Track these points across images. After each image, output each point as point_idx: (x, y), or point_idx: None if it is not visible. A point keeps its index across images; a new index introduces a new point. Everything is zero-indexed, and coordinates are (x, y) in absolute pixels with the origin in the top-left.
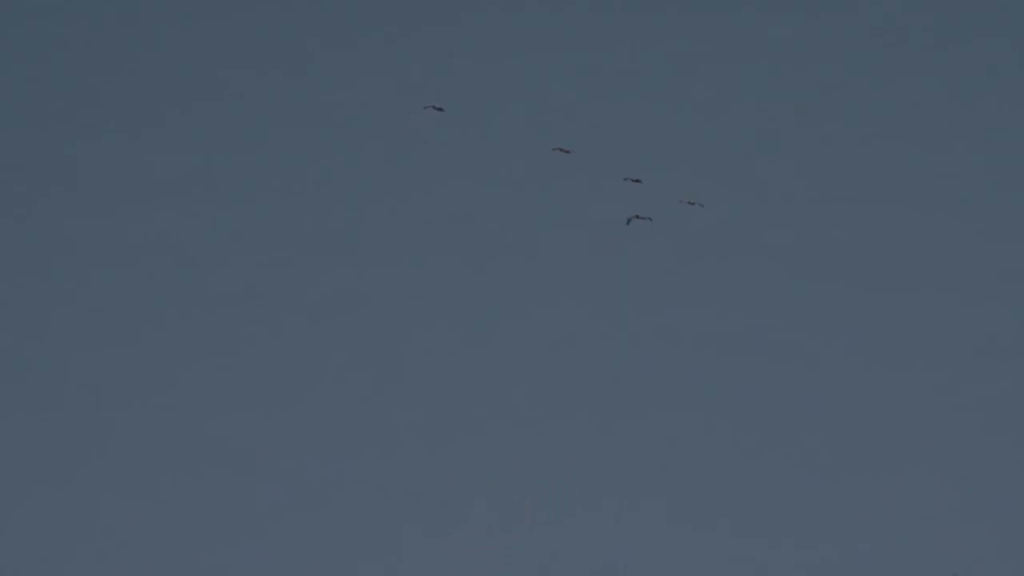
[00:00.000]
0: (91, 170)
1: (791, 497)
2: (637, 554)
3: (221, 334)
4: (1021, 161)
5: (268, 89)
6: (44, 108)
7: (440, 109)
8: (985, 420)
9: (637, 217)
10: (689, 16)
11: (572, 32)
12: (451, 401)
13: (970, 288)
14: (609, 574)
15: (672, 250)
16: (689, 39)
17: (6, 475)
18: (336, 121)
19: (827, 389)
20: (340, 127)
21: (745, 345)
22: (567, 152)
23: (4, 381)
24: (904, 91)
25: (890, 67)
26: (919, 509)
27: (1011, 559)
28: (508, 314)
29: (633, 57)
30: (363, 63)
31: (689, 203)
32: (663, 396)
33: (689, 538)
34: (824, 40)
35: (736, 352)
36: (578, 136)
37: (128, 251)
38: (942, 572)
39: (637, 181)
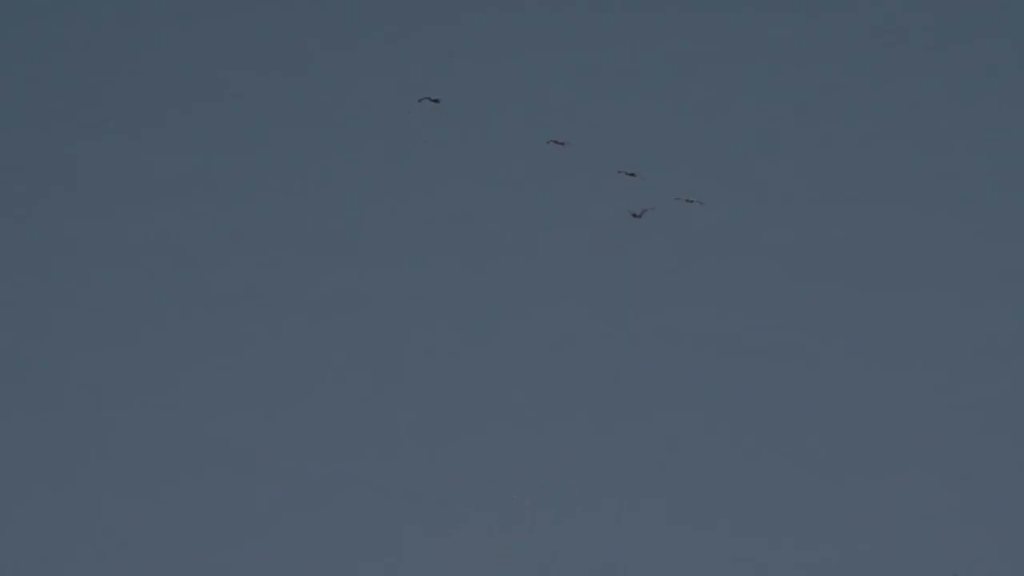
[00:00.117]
0: (91, 170)
1: (791, 497)
2: (637, 554)
3: (221, 334)
4: (1021, 161)
5: (268, 89)
6: (44, 108)
7: (436, 101)
8: (985, 420)
9: (645, 211)
10: (689, 16)
11: (572, 32)
12: (451, 401)
13: (970, 288)
14: (609, 574)
15: (672, 250)
16: (689, 39)
17: (6, 475)
18: (336, 121)
19: (827, 389)
20: (340, 127)
21: (745, 345)
22: (562, 144)
23: (4, 381)
24: (904, 91)
25: (890, 67)
26: (919, 509)
27: (1011, 559)
28: (508, 314)
29: (633, 57)
30: (363, 63)
31: (687, 200)
32: (663, 396)
33: (689, 538)
34: (824, 40)
35: (736, 352)
36: (578, 136)
37: (128, 251)
38: (942, 572)
39: (632, 175)
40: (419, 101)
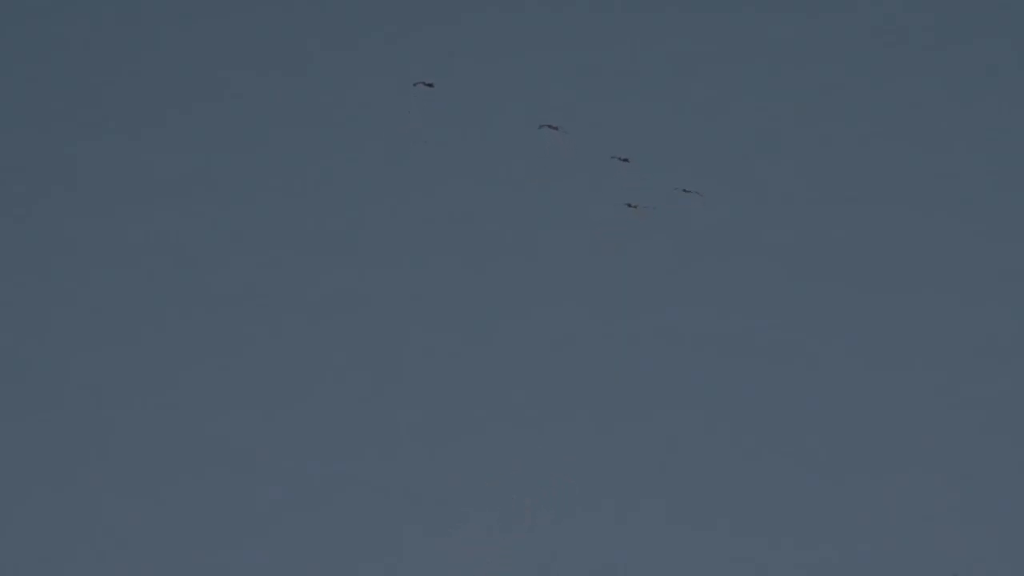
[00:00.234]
0: (91, 170)
1: (791, 497)
2: (637, 554)
3: (221, 334)
4: (1021, 161)
5: (268, 89)
6: (44, 108)
7: (430, 85)
8: (985, 420)
9: (641, 206)
10: (689, 16)
11: (572, 32)
12: (451, 401)
13: (970, 288)
14: (609, 574)
15: (672, 250)
16: (689, 39)
17: (6, 475)
18: (336, 121)
19: (827, 389)
20: (340, 127)
21: (745, 345)
22: (555, 129)
23: (4, 381)
24: (904, 91)
25: (890, 67)
26: (919, 509)
27: (1011, 559)
28: (508, 314)
29: (633, 57)
30: (363, 63)
31: (685, 191)
32: (663, 396)
33: (689, 538)
34: (824, 40)
35: (736, 352)
36: (578, 136)
37: (128, 251)
38: (942, 572)
39: (625, 160)
40: (414, 85)
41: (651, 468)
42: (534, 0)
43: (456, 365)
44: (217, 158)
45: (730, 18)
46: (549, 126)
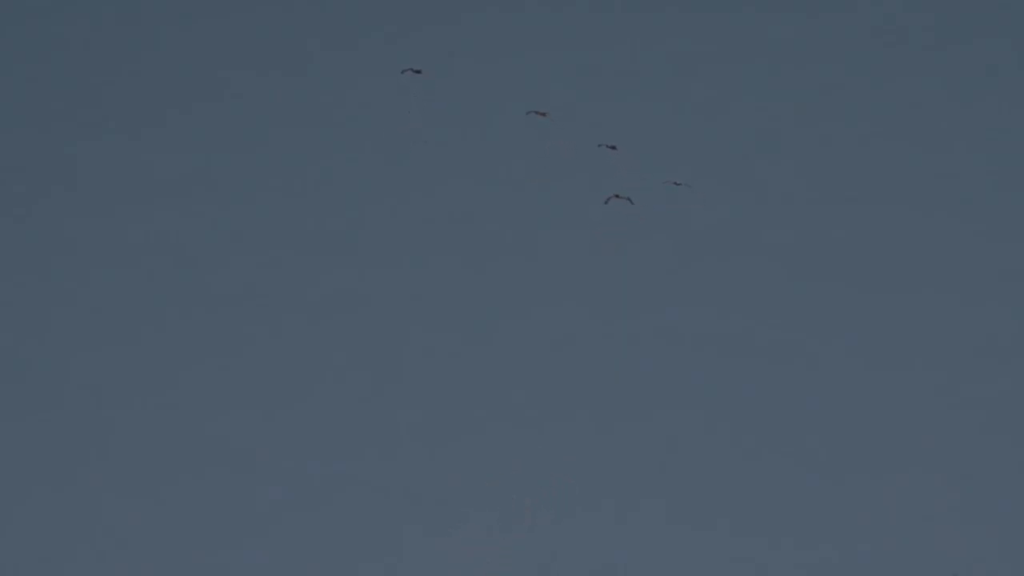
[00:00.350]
0: (91, 170)
1: (791, 497)
2: (637, 554)
3: (221, 334)
4: (1021, 161)
5: (268, 89)
6: (44, 108)
7: (418, 72)
8: (985, 420)
9: (616, 197)
10: (689, 16)
11: (572, 32)
12: (451, 401)
13: (970, 288)
14: (609, 574)
15: (672, 250)
16: (689, 39)
17: (6, 475)
18: (336, 121)
19: (827, 389)
20: (340, 127)
21: (745, 345)
22: (543, 115)
23: (4, 381)
24: (904, 91)
25: (890, 67)
26: (919, 509)
27: (1011, 559)
28: (508, 314)
29: (633, 57)
30: (363, 63)
31: (675, 184)
32: (663, 396)
33: (689, 538)
34: (824, 40)
35: (736, 352)
36: (578, 135)
37: (128, 251)
38: (942, 572)
39: (612, 148)
40: (402, 73)
41: (651, 468)
42: (534, 0)
43: (456, 365)
44: (217, 158)
45: (730, 18)
46: (537, 112)
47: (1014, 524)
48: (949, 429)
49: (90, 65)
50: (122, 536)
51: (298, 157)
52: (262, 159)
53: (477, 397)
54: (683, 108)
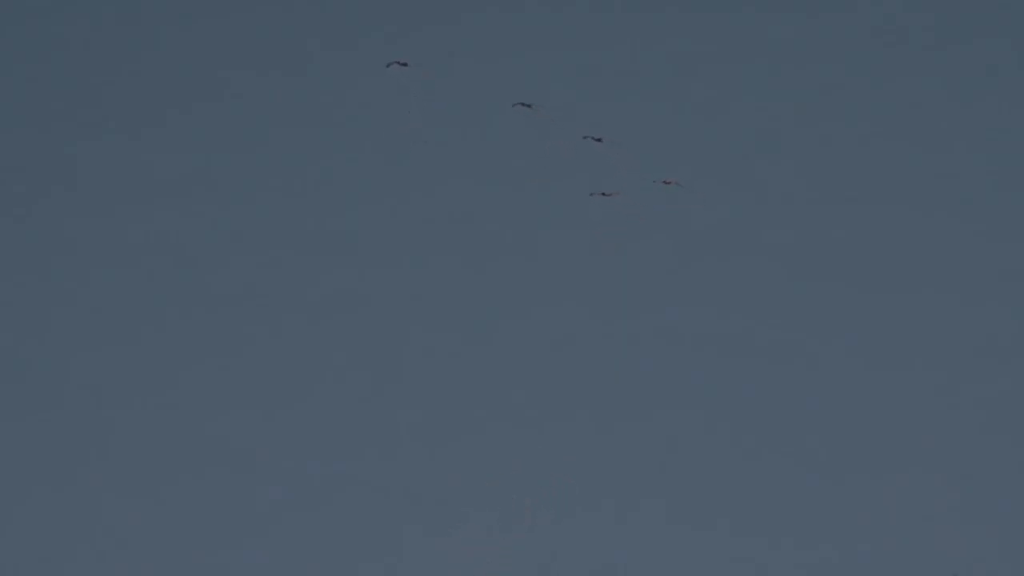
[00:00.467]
0: (91, 170)
1: (791, 497)
2: (637, 554)
3: (221, 334)
4: (1021, 161)
5: (268, 89)
6: (44, 108)
7: (404, 64)
8: (985, 420)
9: (603, 194)
10: (689, 16)
11: (572, 32)
12: (451, 401)
13: (970, 288)
14: (609, 574)
15: (672, 250)
16: (689, 39)
17: (6, 475)
18: (336, 121)
19: (827, 389)
20: (340, 127)
21: (745, 345)
22: (529, 107)
23: (4, 381)
24: (904, 91)
25: (890, 67)
26: (919, 509)
27: (1011, 559)
28: (508, 314)
29: (633, 57)
30: (363, 63)
31: (665, 183)
32: (663, 396)
33: (689, 538)
34: (824, 40)
35: (736, 352)
36: (578, 135)
37: (128, 251)
38: (942, 572)
39: (598, 140)
40: (387, 66)
41: (651, 468)
42: (534, 0)
43: (456, 365)
44: (217, 158)
45: (730, 18)
46: (523, 104)
47: (1014, 524)
48: (949, 429)
49: (90, 65)
50: (122, 536)
51: (298, 157)
52: (262, 159)
53: (477, 397)
54: (683, 108)
